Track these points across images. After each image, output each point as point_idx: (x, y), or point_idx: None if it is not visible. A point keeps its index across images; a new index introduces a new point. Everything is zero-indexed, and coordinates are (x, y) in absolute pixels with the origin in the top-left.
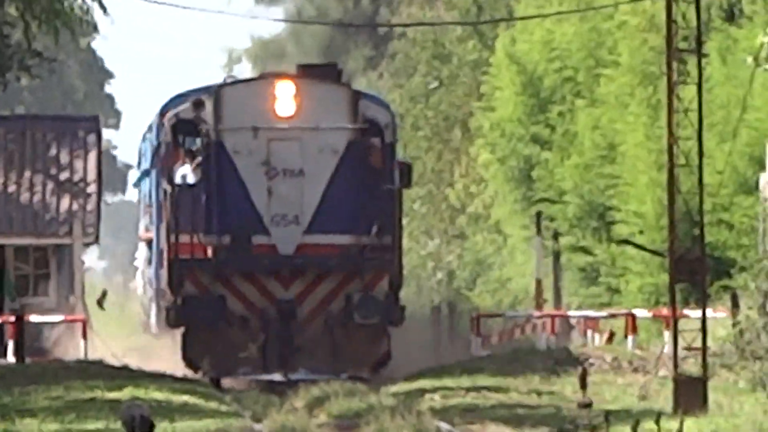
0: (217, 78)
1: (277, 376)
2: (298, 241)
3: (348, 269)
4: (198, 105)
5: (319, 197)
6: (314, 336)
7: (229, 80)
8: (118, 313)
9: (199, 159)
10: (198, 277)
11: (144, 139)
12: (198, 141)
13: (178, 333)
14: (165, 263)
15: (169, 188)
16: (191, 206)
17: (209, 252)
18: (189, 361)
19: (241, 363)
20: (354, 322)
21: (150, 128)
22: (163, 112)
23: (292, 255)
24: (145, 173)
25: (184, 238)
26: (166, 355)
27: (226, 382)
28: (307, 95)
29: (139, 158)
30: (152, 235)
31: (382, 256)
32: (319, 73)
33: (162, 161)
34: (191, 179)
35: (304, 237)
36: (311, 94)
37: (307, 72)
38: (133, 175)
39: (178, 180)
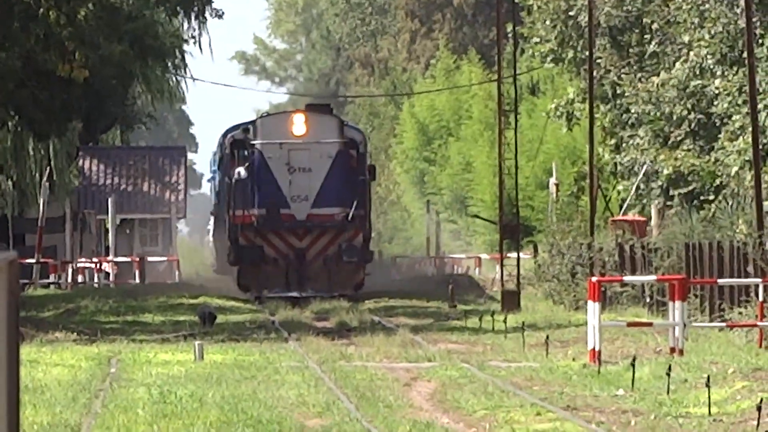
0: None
1: (294, 294)
2: (308, 211)
3: (338, 228)
4: (246, 130)
5: (320, 184)
6: (317, 269)
7: (264, 115)
8: (196, 257)
9: (247, 163)
10: (247, 234)
11: (213, 154)
12: (246, 152)
13: (234, 269)
14: (227, 227)
15: (229, 182)
16: (242, 192)
17: (253, 219)
18: (241, 285)
19: (273, 286)
20: (342, 261)
21: (217, 147)
22: (224, 135)
23: (304, 220)
24: (213, 174)
25: (239, 212)
26: (224, 282)
27: (264, 297)
28: (312, 122)
29: (211, 166)
30: (217, 211)
31: (359, 221)
32: (319, 109)
33: (224, 166)
34: (242, 175)
35: (311, 209)
36: (315, 121)
37: (312, 108)
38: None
39: (234, 177)
